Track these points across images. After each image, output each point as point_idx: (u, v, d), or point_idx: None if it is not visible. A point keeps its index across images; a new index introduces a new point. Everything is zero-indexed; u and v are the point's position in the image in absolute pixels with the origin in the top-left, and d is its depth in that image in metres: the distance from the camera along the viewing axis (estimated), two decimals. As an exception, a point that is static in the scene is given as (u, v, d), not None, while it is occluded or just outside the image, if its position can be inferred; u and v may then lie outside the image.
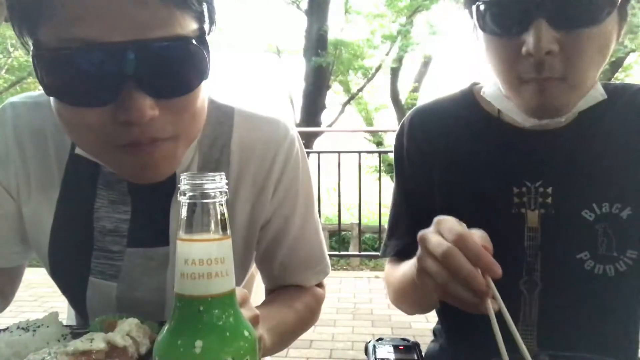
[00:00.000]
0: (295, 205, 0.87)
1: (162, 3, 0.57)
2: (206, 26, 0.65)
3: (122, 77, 0.57)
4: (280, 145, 0.83)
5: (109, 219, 0.81)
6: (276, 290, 0.94)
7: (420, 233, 0.67)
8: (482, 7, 0.75)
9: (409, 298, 0.90)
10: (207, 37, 0.65)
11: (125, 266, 0.82)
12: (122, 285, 0.82)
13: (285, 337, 0.82)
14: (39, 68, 0.60)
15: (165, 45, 0.58)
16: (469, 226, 0.86)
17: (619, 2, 0.71)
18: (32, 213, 0.82)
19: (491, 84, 0.87)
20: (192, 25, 0.61)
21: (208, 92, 0.72)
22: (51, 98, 0.63)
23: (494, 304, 0.60)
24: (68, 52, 0.57)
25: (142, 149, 0.63)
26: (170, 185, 0.78)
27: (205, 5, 0.64)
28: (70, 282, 0.85)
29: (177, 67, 0.60)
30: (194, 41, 0.61)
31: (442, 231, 0.64)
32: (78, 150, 0.78)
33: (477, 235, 0.63)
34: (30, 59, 0.61)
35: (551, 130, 0.85)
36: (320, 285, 0.96)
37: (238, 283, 0.88)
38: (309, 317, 0.91)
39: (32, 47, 0.60)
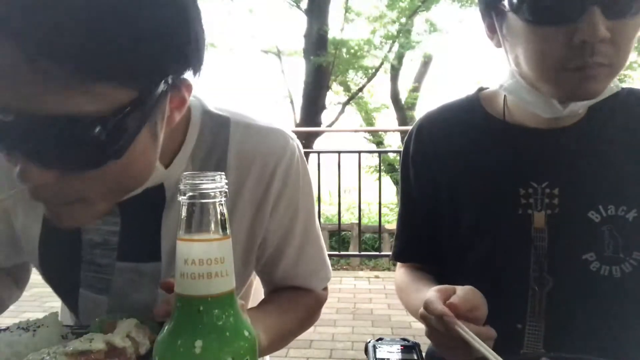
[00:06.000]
0: (296, 221, 0.84)
1: (66, 78, 0.49)
2: (159, 89, 0.57)
3: (13, 143, 0.54)
4: (281, 158, 0.79)
5: (97, 231, 0.79)
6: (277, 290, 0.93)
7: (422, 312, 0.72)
8: None
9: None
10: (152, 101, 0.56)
11: (115, 281, 0.80)
12: (113, 299, 0.80)
13: (282, 336, 0.81)
14: None
15: (55, 124, 0.51)
16: (476, 229, 0.88)
17: None
18: (22, 225, 0.81)
19: (508, 78, 0.86)
20: (116, 96, 0.53)
21: (154, 150, 0.63)
22: None
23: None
24: None
25: (49, 207, 0.62)
26: (159, 198, 0.76)
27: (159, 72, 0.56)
28: (63, 292, 0.85)
29: (68, 146, 0.53)
30: (95, 123, 0.52)
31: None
32: None
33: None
34: None
35: (557, 131, 0.85)
36: (323, 287, 0.96)
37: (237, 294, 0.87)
38: (307, 318, 0.90)
39: None
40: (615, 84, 0.81)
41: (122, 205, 0.75)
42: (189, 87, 0.64)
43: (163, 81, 0.57)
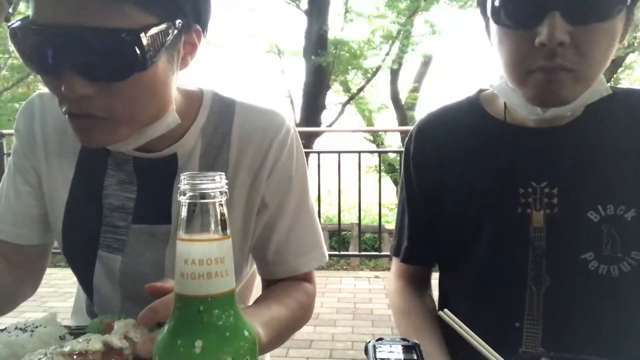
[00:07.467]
0: (290, 191, 0.91)
1: None
2: (176, 22, 0.70)
3: (60, 57, 0.66)
4: (276, 134, 0.89)
5: (116, 196, 0.89)
6: (269, 287, 0.94)
7: None
8: (497, 1, 0.78)
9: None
10: (171, 32, 0.70)
11: (129, 241, 0.89)
12: (125, 258, 0.89)
13: (280, 333, 0.82)
14: (14, 42, 0.69)
15: (95, 34, 0.64)
16: (476, 228, 0.88)
17: (629, 1, 0.73)
18: (50, 191, 0.91)
19: (498, 79, 0.88)
20: (141, 19, 0.66)
21: (170, 82, 0.76)
22: None
23: None
24: (28, 31, 0.67)
25: (77, 120, 0.72)
26: (172, 166, 0.87)
27: (180, 5, 0.70)
28: (81, 256, 0.92)
29: (105, 55, 0.66)
30: (126, 35, 0.65)
31: None
32: None
33: None
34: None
35: (557, 130, 0.85)
36: (310, 280, 0.97)
37: (237, 272, 0.88)
38: (301, 313, 0.91)
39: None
40: (605, 87, 0.82)
41: (139, 173, 0.88)
42: (198, 33, 0.77)
43: (178, 19, 0.70)
